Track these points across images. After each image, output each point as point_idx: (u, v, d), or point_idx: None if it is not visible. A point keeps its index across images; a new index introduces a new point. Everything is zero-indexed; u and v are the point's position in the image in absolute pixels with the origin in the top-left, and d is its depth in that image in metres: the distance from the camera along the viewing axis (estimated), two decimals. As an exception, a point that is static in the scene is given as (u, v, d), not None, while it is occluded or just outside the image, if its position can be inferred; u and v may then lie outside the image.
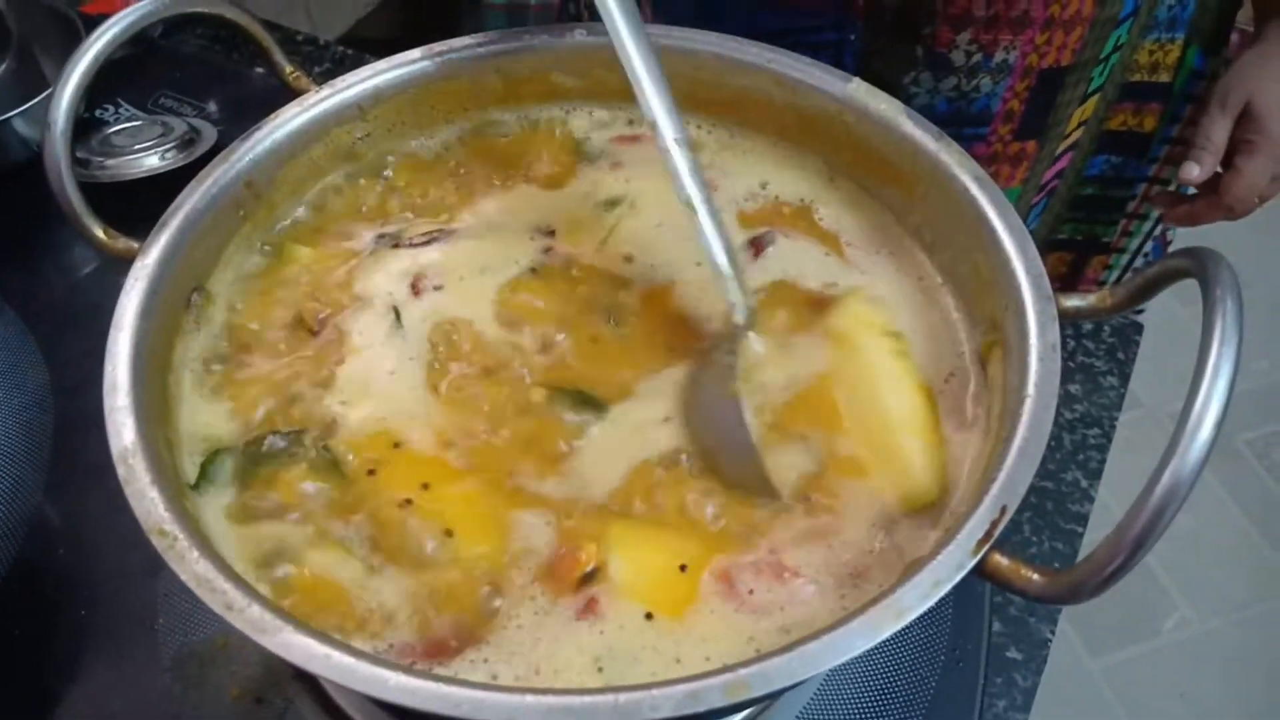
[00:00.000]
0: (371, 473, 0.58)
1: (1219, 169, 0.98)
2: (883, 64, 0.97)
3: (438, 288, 0.67)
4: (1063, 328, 0.55)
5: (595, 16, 0.64)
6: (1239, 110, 0.96)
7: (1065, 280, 1.23)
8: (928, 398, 0.60)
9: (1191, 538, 2.03)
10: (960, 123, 0.99)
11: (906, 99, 0.97)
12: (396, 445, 0.59)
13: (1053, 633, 0.79)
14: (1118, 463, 0.90)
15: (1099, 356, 0.96)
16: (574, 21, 1.06)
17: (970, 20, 0.92)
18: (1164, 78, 1.05)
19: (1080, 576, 0.44)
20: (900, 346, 0.62)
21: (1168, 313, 1.23)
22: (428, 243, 0.69)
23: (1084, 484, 0.87)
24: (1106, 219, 1.16)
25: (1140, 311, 1.20)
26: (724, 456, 0.58)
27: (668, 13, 1.04)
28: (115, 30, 0.62)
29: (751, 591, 0.53)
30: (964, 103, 0.97)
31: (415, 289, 0.66)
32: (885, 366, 0.61)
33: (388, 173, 0.74)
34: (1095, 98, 1.03)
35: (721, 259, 0.62)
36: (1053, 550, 0.83)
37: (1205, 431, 0.42)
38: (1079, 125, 1.05)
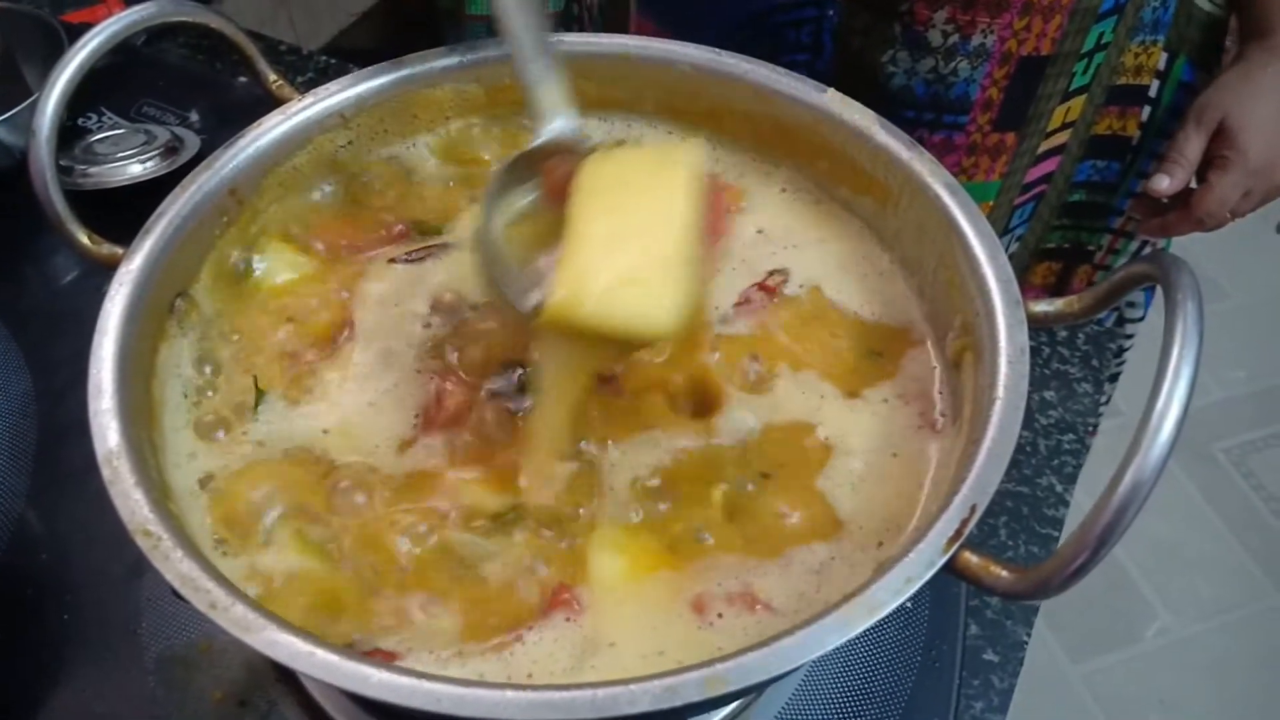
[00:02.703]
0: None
1: (1195, 183, 1.00)
2: (861, 42, 0.98)
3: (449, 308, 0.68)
4: (1039, 335, 0.56)
5: (595, 26, 0.63)
6: (1214, 127, 0.97)
7: (1054, 291, 1.24)
8: (687, 238, 0.57)
9: (1171, 546, 2.06)
10: (938, 109, 1.00)
11: (885, 79, 0.98)
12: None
13: (1029, 635, 0.80)
14: (1096, 470, 0.90)
15: (1074, 364, 0.97)
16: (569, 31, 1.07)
17: None
18: (1145, 80, 1.06)
19: (1047, 572, 0.45)
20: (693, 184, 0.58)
21: (1148, 324, 1.25)
22: (425, 258, 0.70)
23: (1059, 489, 0.89)
24: (1091, 226, 1.17)
25: (1134, 323, 1.22)
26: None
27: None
28: (100, 39, 0.62)
29: None
30: (941, 86, 0.98)
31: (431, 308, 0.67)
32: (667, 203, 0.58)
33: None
34: (1081, 98, 1.04)
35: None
36: (1029, 553, 0.84)
37: (1166, 431, 0.43)
38: (1064, 126, 1.06)
